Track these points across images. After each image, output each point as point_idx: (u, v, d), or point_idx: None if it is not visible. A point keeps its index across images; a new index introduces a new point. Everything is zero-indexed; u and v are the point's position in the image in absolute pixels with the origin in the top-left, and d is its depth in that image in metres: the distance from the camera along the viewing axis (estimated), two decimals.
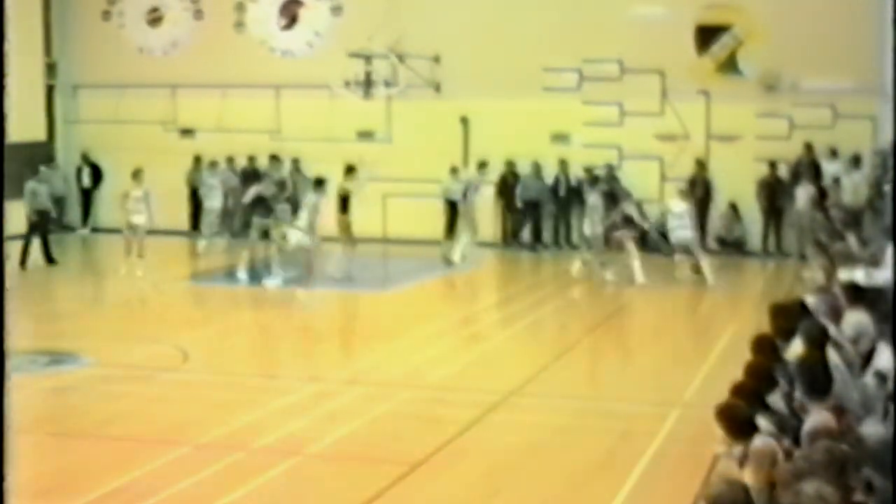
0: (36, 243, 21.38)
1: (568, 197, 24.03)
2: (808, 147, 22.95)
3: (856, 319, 9.05)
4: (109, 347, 14.99)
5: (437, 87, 24.60)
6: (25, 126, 25.04)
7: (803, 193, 22.31)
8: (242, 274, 20.25)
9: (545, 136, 24.32)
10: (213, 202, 24.09)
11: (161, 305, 19.18)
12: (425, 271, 21.52)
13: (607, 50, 23.71)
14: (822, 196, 22.09)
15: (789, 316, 8.86)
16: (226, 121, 25.90)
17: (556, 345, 15.60)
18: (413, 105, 24.39)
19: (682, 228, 20.28)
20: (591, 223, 20.43)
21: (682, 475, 9.60)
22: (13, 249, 20.17)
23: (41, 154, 25.07)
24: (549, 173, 24.38)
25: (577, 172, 23.83)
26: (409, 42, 23.48)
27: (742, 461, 6.43)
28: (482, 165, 23.39)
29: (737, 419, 6.64)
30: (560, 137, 24.37)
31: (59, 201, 25.88)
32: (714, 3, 23.58)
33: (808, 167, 22.82)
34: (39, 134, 26.77)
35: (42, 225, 21.51)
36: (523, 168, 24.44)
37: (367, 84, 23.20)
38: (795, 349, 8.18)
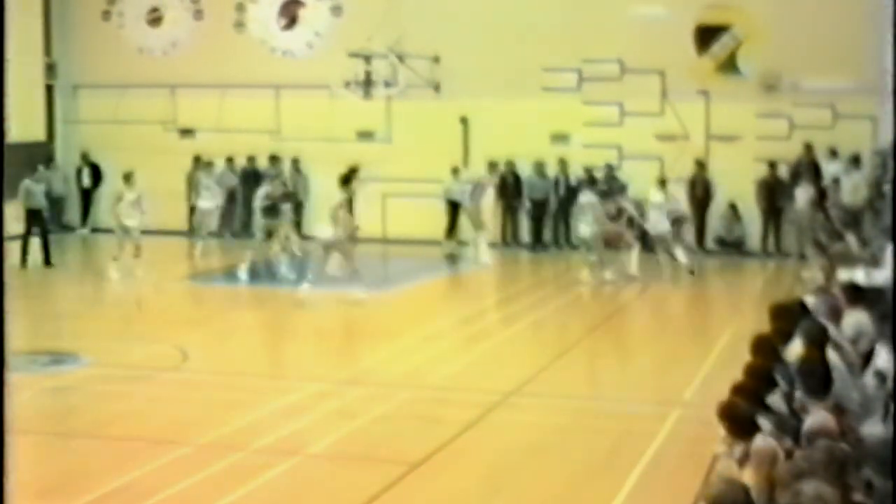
0: (35, 243, 21.36)
1: (567, 197, 24.01)
2: (808, 147, 22.95)
3: (855, 319, 9.06)
4: (109, 347, 14.99)
5: (437, 87, 24.59)
6: (25, 126, 25.04)
7: (803, 193, 22.31)
8: (243, 274, 20.27)
9: (545, 136, 24.32)
10: (206, 203, 23.89)
11: (161, 305, 19.16)
12: (425, 271, 21.52)
13: (607, 50, 23.71)
14: (821, 196, 22.08)
15: (789, 316, 8.86)
16: (225, 121, 25.89)
17: (556, 345, 15.59)
18: (413, 105, 24.39)
19: (661, 222, 20.44)
20: (584, 223, 20.46)
21: (682, 475, 9.59)
22: (13, 249, 20.20)
23: (41, 154, 25.07)
24: (549, 173, 24.40)
25: (577, 172, 23.84)
26: (409, 42, 23.46)
27: (742, 461, 6.42)
28: (493, 166, 23.42)
29: (738, 418, 6.64)
30: (560, 137, 24.37)
31: (58, 201, 25.90)
32: (714, 3, 23.58)
33: (808, 167, 22.82)
34: (39, 134, 26.78)
35: (39, 224, 21.45)
36: (523, 168, 24.45)
37: (367, 84, 23.20)
38: (795, 349, 8.18)
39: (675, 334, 17.27)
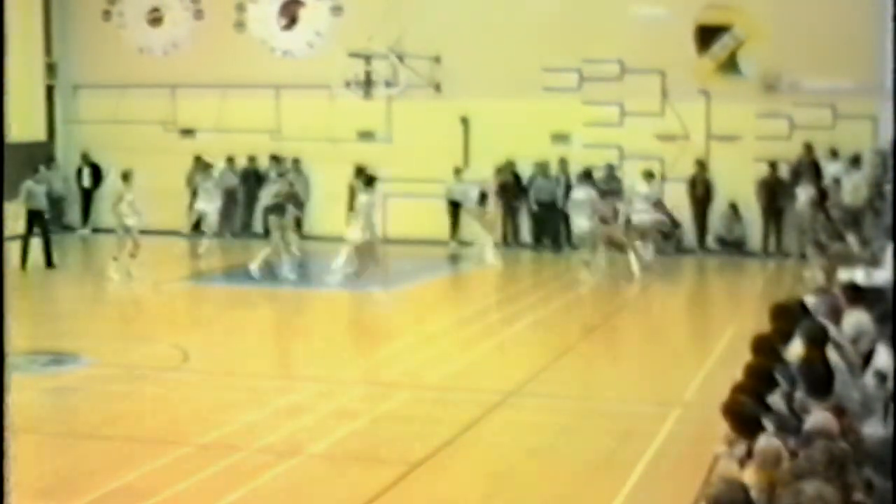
0: (36, 244, 21.34)
1: (567, 197, 23.99)
2: (808, 147, 22.94)
3: (856, 319, 9.07)
4: (109, 347, 14.99)
5: (437, 87, 24.60)
6: (25, 126, 25.04)
7: (803, 193, 22.30)
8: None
9: (545, 136, 24.31)
10: (204, 206, 23.82)
11: (161, 305, 19.17)
12: (425, 271, 21.51)
13: (607, 50, 23.70)
14: (822, 196, 22.08)
15: (789, 316, 8.86)
16: (226, 121, 25.89)
17: (556, 345, 15.58)
18: (413, 105, 24.38)
19: (644, 212, 20.57)
20: (582, 218, 20.51)
21: (683, 475, 9.59)
22: (13, 250, 20.18)
23: (41, 154, 25.05)
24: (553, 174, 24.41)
25: (577, 173, 23.80)
26: (409, 42, 23.46)
27: (743, 461, 6.43)
28: (500, 171, 23.48)
29: (743, 416, 6.63)
30: (560, 137, 24.36)
31: (59, 201, 25.90)
32: (714, 3, 23.57)
33: (809, 167, 22.81)
34: (39, 134, 26.77)
35: (40, 226, 21.44)
36: (524, 168, 24.44)
37: (368, 84, 23.21)
38: (795, 349, 8.19)
39: (675, 334, 17.28)
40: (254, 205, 25.62)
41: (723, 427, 7.02)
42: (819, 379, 7.15)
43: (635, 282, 20.00)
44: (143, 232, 20.65)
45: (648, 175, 21.83)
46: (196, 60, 26.32)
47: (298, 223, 22.69)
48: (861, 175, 21.87)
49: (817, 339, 8.11)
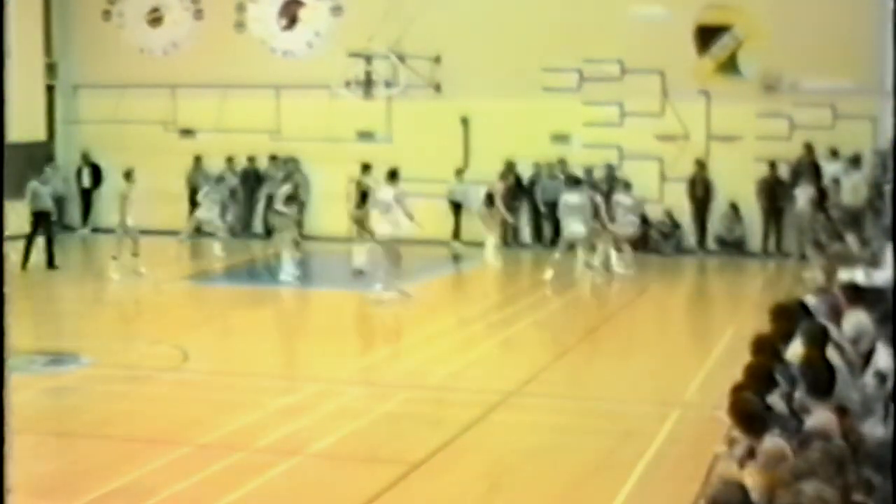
0: (38, 245, 21.31)
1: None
2: (808, 147, 22.94)
3: (856, 320, 9.07)
4: (109, 347, 14.99)
5: (438, 87, 24.59)
6: (25, 126, 25.03)
7: (803, 194, 22.31)
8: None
9: (545, 137, 24.31)
10: (204, 213, 23.71)
11: (161, 305, 19.17)
12: (425, 271, 21.50)
13: (607, 50, 23.70)
14: (822, 196, 22.09)
15: (789, 316, 8.86)
16: (226, 121, 25.89)
17: (556, 345, 15.59)
18: (413, 105, 24.38)
19: (628, 224, 20.63)
20: (576, 222, 20.48)
21: (682, 475, 9.60)
22: (14, 250, 20.17)
23: (41, 154, 25.06)
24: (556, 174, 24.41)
25: (577, 173, 23.79)
26: (409, 42, 23.46)
27: (742, 462, 6.42)
28: (505, 174, 23.50)
29: (749, 413, 6.62)
30: (560, 137, 24.36)
31: (59, 201, 25.87)
32: (714, 3, 23.58)
33: (808, 167, 22.81)
34: (39, 134, 26.77)
35: (44, 226, 21.42)
36: (524, 169, 24.44)
37: (368, 84, 23.19)
38: (796, 350, 8.19)
39: (675, 334, 17.28)
40: (254, 205, 25.62)
41: (723, 427, 7.02)
42: (820, 379, 7.14)
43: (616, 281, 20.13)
44: (143, 232, 20.65)
45: (626, 185, 21.74)
46: (196, 60, 26.32)
47: (299, 223, 22.69)
48: (861, 175, 21.87)
49: (817, 340, 8.11)
